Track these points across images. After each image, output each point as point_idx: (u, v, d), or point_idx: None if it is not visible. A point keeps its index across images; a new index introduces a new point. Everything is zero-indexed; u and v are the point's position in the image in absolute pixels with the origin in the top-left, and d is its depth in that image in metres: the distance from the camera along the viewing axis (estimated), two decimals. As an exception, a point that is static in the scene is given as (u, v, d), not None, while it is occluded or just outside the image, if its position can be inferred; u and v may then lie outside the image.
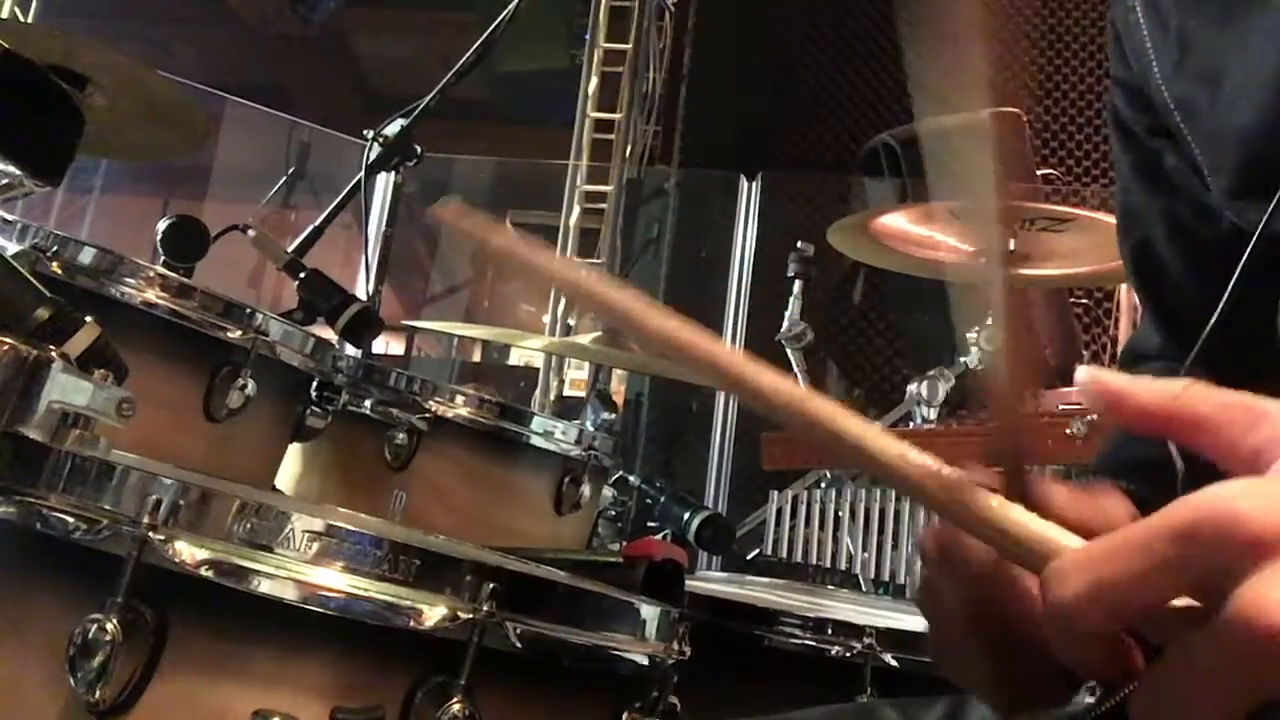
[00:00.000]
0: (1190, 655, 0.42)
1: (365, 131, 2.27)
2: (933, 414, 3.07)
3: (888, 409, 3.37)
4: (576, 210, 5.23)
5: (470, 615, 0.81)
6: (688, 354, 0.52)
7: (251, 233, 1.70)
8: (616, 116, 5.31)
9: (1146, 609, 0.43)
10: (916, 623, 1.60)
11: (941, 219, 2.42)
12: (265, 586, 0.79)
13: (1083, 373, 0.52)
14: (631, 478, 1.93)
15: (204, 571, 0.78)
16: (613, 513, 2.00)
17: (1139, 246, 0.90)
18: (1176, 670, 0.43)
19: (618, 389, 4.49)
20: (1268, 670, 0.40)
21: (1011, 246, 2.36)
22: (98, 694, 0.76)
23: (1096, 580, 0.44)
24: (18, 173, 1.17)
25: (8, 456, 0.83)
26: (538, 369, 5.23)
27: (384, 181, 2.39)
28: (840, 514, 2.83)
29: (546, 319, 5.16)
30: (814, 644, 1.33)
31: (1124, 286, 4.09)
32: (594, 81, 5.41)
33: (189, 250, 1.55)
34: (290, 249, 1.84)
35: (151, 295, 1.33)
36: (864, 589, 2.69)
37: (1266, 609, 0.39)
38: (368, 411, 1.65)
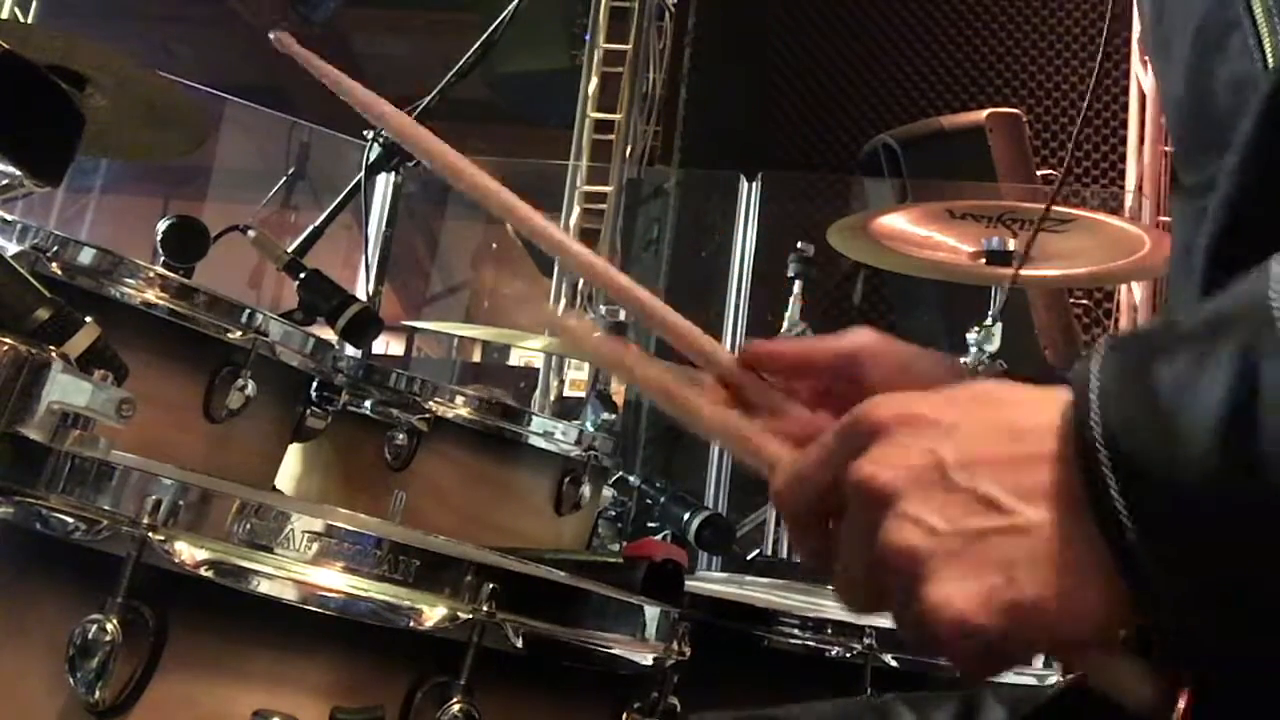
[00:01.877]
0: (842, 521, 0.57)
1: (365, 131, 2.26)
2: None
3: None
4: (576, 210, 5.23)
5: (470, 615, 0.81)
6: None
7: (251, 233, 1.70)
8: (616, 116, 5.31)
9: (823, 489, 0.58)
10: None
11: (941, 219, 2.42)
12: (265, 587, 0.79)
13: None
14: (631, 478, 1.93)
15: (204, 572, 0.78)
16: (613, 513, 2.00)
17: None
18: (838, 532, 0.58)
19: (618, 389, 4.48)
20: (875, 513, 0.54)
21: (1011, 246, 2.36)
22: (98, 694, 0.76)
23: (792, 471, 0.60)
24: (18, 173, 1.17)
25: (8, 456, 0.83)
26: (538, 369, 5.22)
27: (384, 181, 2.39)
28: (840, 514, 2.82)
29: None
30: (814, 644, 1.33)
31: (1124, 286, 4.09)
32: (594, 81, 5.41)
33: (189, 250, 1.55)
34: (290, 249, 1.84)
35: (151, 295, 1.33)
36: (864, 589, 2.69)
37: (864, 466, 0.55)
38: (368, 412, 1.65)
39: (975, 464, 0.53)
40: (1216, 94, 0.66)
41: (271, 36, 0.72)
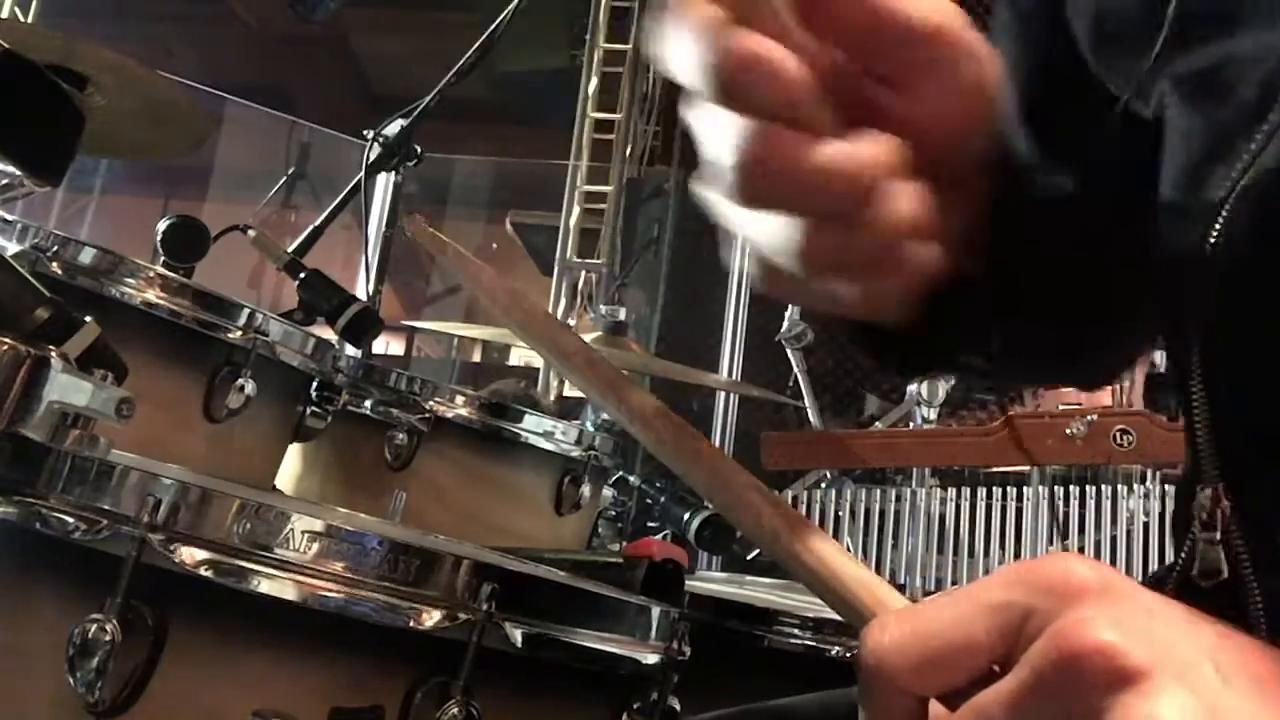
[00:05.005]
0: (988, 700, 0.39)
1: (365, 131, 2.27)
2: (933, 414, 3.08)
3: (888, 409, 3.38)
4: (576, 210, 5.23)
5: (470, 615, 0.81)
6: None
7: (251, 233, 1.70)
8: (616, 116, 5.31)
9: (960, 657, 0.40)
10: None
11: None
12: (265, 586, 0.79)
13: None
14: (631, 478, 1.93)
15: (204, 571, 0.78)
16: (613, 513, 2.01)
17: None
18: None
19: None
20: (1071, 694, 0.37)
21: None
22: (97, 694, 0.76)
23: (915, 625, 0.41)
24: (18, 173, 1.17)
25: (8, 456, 0.83)
26: (538, 369, 5.23)
27: (384, 181, 2.39)
28: (840, 514, 2.83)
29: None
30: (814, 644, 1.33)
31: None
32: (594, 81, 5.42)
33: (189, 250, 1.55)
34: (290, 249, 1.84)
35: (151, 295, 1.33)
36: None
37: (1078, 632, 0.37)
38: (368, 411, 1.65)
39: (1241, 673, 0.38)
40: None
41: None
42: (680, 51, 0.48)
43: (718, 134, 0.49)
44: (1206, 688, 0.36)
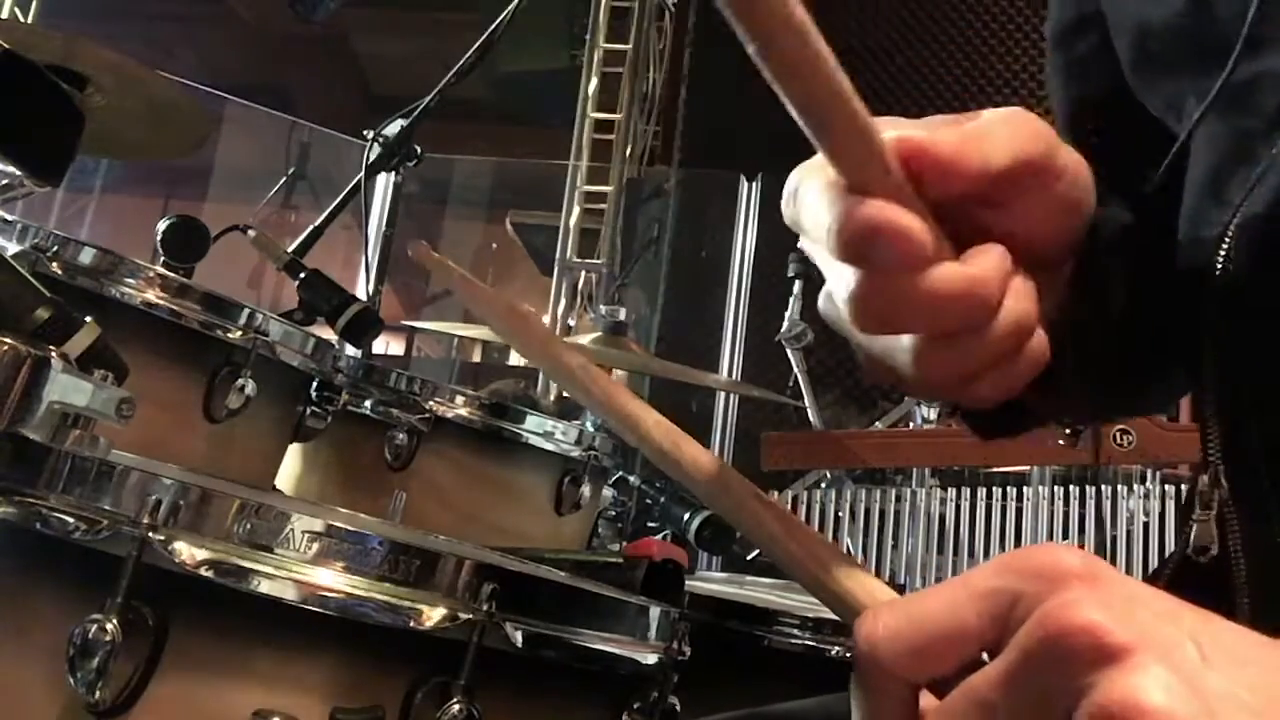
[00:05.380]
0: (977, 682, 0.40)
1: (365, 131, 2.27)
2: (932, 414, 3.08)
3: (888, 409, 3.38)
4: (576, 210, 5.23)
5: (470, 615, 0.81)
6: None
7: (251, 233, 1.70)
8: (616, 116, 5.31)
9: (951, 643, 0.41)
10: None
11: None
12: (265, 587, 0.79)
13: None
14: (631, 478, 1.93)
15: (204, 571, 0.78)
16: (613, 513, 2.00)
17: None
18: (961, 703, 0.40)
19: (618, 389, 4.48)
20: (1058, 671, 0.38)
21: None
22: (98, 694, 0.76)
23: (907, 613, 0.42)
24: (18, 173, 1.17)
25: (8, 456, 0.83)
26: (538, 369, 5.22)
27: (384, 182, 2.39)
28: (840, 514, 2.83)
29: (546, 319, 5.16)
30: (814, 644, 1.33)
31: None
32: (594, 81, 5.42)
33: (189, 250, 1.55)
34: (290, 249, 1.84)
35: (151, 295, 1.33)
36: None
37: (1064, 613, 0.38)
38: (368, 411, 1.65)
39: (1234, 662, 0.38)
40: None
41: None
42: (807, 208, 0.52)
43: (833, 276, 0.53)
44: (1188, 666, 0.37)
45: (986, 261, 0.53)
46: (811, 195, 0.52)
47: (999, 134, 0.55)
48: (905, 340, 0.55)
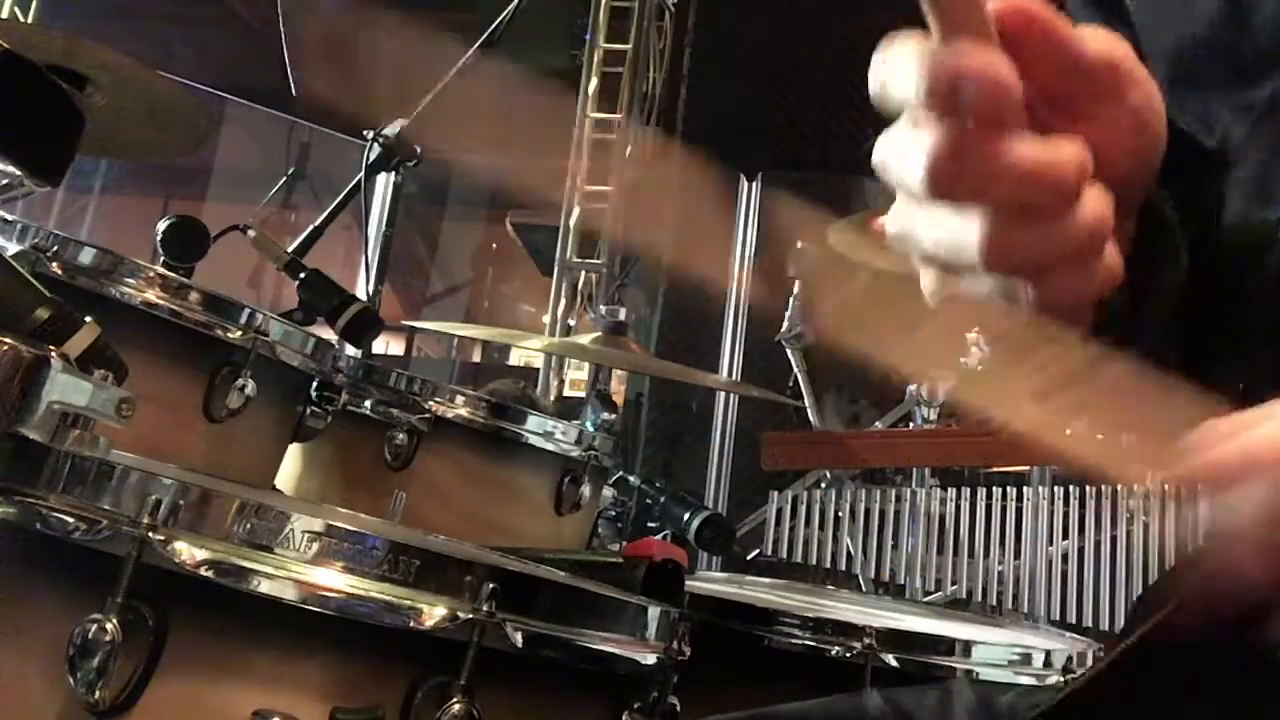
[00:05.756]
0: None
1: (365, 131, 2.27)
2: (933, 414, 3.08)
3: (888, 409, 3.37)
4: (576, 210, 5.23)
5: (470, 615, 0.81)
6: None
7: (251, 233, 1.70)
8: (616, 116, 5.31)
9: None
10: (916, 623, 1.60)
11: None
12: (265, 586, 0.79)
13: None
14: (631, 478, 1.93)
15: (204, 571, 0.78)
16: (613, 513, 2.00)
17: None
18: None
19: (618, 389, 4.49)
20: None
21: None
22: (98, 694, 0.76)
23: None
24: (18, 173, 1.17)
25: (8, 456, 0.83)
26: (538, 369, 5.23)
27: (384, 181, 2.39)
28: (840, 514, 2.83)
29: (546, 319, 5.16)
30: (814, 644, 1.33)
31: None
32: (594, 81, 5.41)
33: (189, 250, 1.55)
34: (290, 249, 1.84)
35: (151, 295, 1.33)
36: (864, 589, 2.69)
37: None
38: (368, 411, 1.65)
39: None
40: None
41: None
42: (897, 65, 0.51)
43: (910, 141, 0.52)
44: None
45: (1069, 146, 0.52)
46: (904, 53, 0.51)
47: (1092, 30, 0.55)
48: (974, 223, 0.52)
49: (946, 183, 0.51)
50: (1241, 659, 0.55)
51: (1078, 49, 0.53)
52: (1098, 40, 0.54)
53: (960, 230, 0.53)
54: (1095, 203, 0.53)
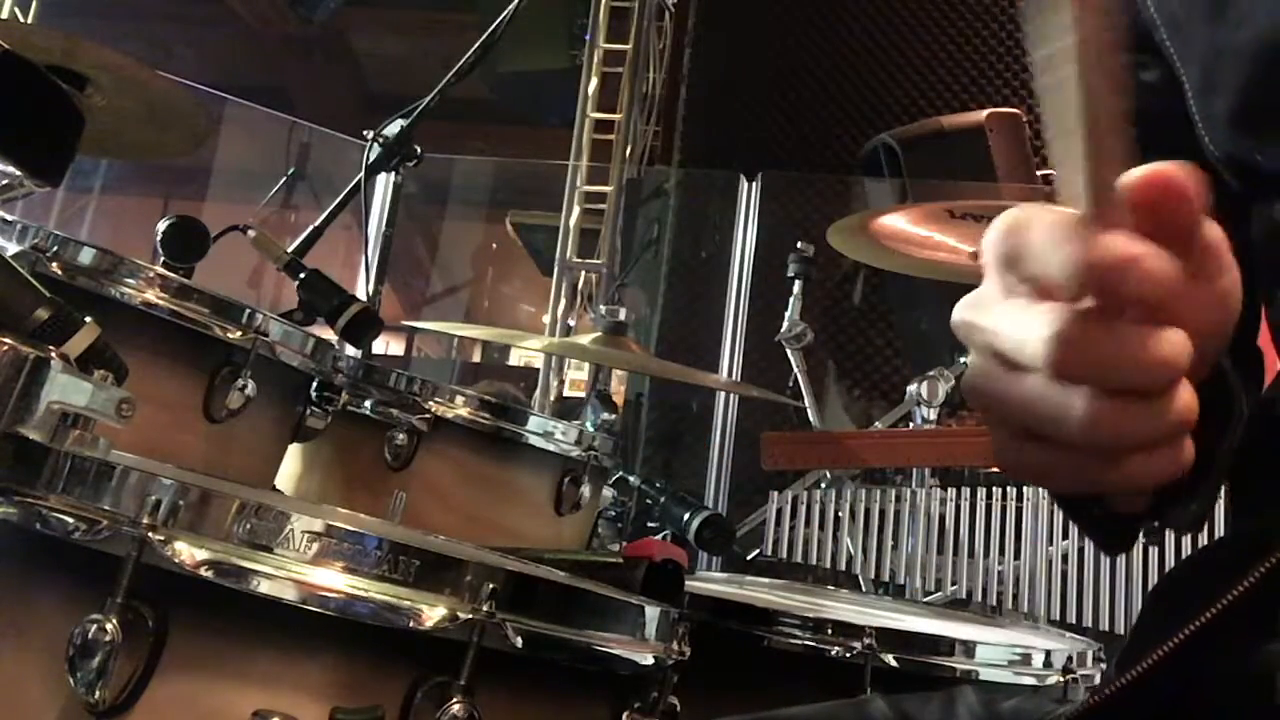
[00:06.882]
0: None
1: (365, 131, 2.27)
2: (933, 414, 3.08)
3: (888, 409, 3.37)
4: (576, 210, 5.23)
5: (470, 615, 0.81)
6: None
7: (251, 233, 1.70)
8: (616, 116, 5.31)
9: None
10: (916, 623, 1.60)
11: (941, 219, 2.43)
12: (265, 587, 0.79)
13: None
14: (631, 478, 1.93)
15: (204, 572, 0.78)
16: (613, 513, 2.00)
17: None
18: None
19: (618, 389, 4.49)
20: None
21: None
22: (98, 694, 0.76)
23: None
24: (18, 173, 1.17)
25: (8, 456, 0.83)
26: (538, 369, 5.22)
27: (384, 182, 2.39)
28: (840, 514, 2.82)
29: (546, 319, 5.16)
30: (814, 644, 1.33)
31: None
32: (594, 81, 5.41)
33: (189, 250, 1.55)
34: (290, 249, 1.83)
35: (151, 295, 1.33)
36: (864, 589, 2.70)
37: None
38: (368, 412, 1.65)
39: None
40: None
41: None
42: (1041, 241, 0.52)
43: (1028, 316, 0.53)
44: None
45: (1177, 336, 0.53)
46: (1048, 229, 0.51)
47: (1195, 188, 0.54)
48: (1080, 397, 0.53)
49: (1071, 363, 0.52)
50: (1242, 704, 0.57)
51: (1204, 235, 0.54)
52: (1212, 227, 0.55)
53: (1063, 406, 0.53)
54: (1186, 391, 0.54)
